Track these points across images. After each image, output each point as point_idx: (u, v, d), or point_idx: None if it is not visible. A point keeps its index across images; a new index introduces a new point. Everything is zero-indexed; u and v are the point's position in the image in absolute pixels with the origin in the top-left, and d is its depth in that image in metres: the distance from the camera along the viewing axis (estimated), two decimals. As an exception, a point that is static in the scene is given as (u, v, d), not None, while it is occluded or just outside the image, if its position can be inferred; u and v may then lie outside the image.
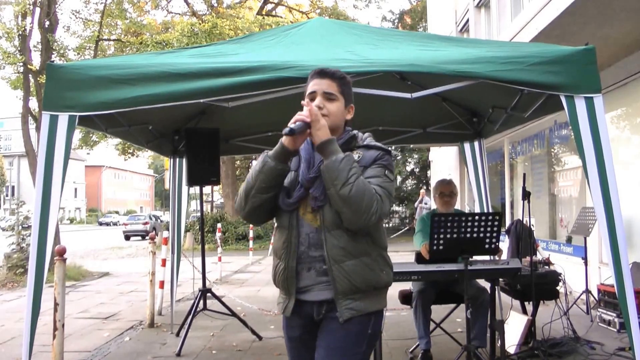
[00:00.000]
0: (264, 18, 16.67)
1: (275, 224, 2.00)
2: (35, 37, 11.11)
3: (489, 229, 3.28)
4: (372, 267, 1.87)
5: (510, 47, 3.79)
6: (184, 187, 5.56)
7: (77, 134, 16.45)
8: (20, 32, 10.49)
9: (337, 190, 1.74)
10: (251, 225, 14.11)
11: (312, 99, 1.89)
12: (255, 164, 1.87)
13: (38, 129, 8.79)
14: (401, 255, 9.44)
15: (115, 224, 47.93)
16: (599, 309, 5.15)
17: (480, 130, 5.41)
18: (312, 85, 1.92)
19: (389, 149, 1.96)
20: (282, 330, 2.04)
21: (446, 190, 4.15)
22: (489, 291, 3.87)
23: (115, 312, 6.52)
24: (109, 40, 14.01)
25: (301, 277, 1.88)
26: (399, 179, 24.13)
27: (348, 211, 1.76)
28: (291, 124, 1.77)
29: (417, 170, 24.51)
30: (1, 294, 8.19)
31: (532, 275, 4.05)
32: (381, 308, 1.92)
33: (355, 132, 1.99)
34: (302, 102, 1.87)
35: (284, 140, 1.81)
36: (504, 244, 5.70)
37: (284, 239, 1.89)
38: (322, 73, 1.92)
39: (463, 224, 3.26)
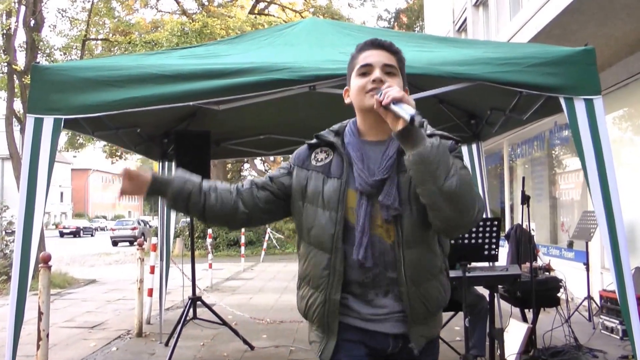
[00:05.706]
0: (256, 17, 16.57)
1: (301, 243, 1.62)
2: (21, 37, 10.98)
3: (487, 234, 3.24)
4: (445, 286, 1.58)
5: (508, 47, 3.77)
6: (174, 192, 5.45)
7: (63, 136, 16.23)
8: (5, 31, 10.35)
9: (440, 186, 1.34)
10: (243, 231, 13.97)
11: (364, 74, 1.51)
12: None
13: (22, 131, 8.62)
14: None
15: (102, 229, 47.45)
16: (602, 316, 5.10)
17: (479, 133, 5.34)
18: (366, 56, 1.52)
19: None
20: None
21: None
22: (488, 298, 3.80)
23: (102, 321, 6.39)
24: (96, 39, 13.85)
25: (375, 303, 1.52)
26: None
27: (453, 210, 1.38)
28: (409, 111, 1.34)
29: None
30: (-16, 301, 8.00)
31: (532, 281, 3.99)
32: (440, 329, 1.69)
33: None
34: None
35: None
36: (504, 249, 5.63)
37: (324, 265, 1.51)
38: (379, 44, 1.53)
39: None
